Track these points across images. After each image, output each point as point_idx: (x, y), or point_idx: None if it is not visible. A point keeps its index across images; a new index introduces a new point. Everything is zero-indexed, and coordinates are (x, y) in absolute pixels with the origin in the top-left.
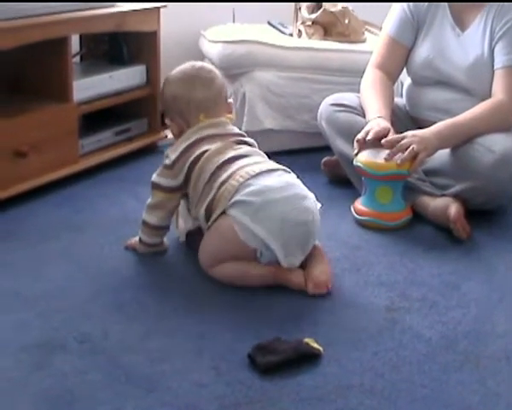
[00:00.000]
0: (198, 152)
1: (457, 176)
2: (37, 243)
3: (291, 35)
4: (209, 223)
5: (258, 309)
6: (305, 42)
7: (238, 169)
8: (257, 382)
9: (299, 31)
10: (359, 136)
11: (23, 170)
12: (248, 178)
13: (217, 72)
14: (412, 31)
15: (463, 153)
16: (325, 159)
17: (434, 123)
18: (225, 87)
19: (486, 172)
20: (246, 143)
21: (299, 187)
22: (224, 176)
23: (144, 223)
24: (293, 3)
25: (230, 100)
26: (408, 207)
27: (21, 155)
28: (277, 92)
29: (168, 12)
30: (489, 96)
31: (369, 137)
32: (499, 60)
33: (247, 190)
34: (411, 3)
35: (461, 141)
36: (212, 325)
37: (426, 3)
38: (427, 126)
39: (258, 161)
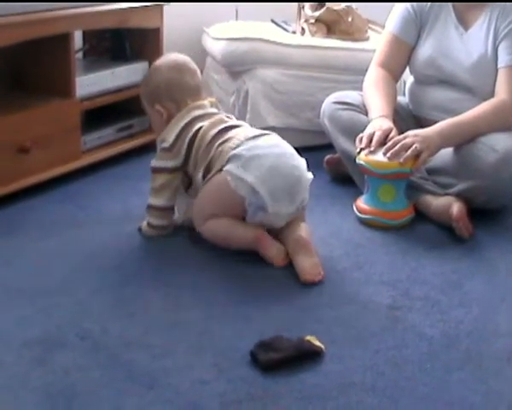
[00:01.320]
0: (194, 129)
1: (460, 175)
2: (39, 239)
3: (294, 33)
4: (205, 180)
5: (260, 306)
6: (308, 40)
7: (235, 135)
8: (258, 379)
9: (303, 29)
10: (363, 138)
11: (26, 166)
12: (243, 140)
13: (194, 64)
14: (415, 29)
15: (466, 152)
16: (328, 157)
17: (437, 122)
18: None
19: (489, 171)
20: (230, 117)
21: (289, 148)
22: (221, 140)
23: (152, 207)
24: (295, 3)
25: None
26: (410, 205)
27: (24, 151)
28: (280, 90)
29: (171, 9)
30: (492, 95)
31: (372, 148)
32: (502, 59)
33: (240, 147)
34: (415, 2)
35: (463, 140)
36: (213, 322)
37: (429, 2)
38: (429, 125)
39: (249, 130)
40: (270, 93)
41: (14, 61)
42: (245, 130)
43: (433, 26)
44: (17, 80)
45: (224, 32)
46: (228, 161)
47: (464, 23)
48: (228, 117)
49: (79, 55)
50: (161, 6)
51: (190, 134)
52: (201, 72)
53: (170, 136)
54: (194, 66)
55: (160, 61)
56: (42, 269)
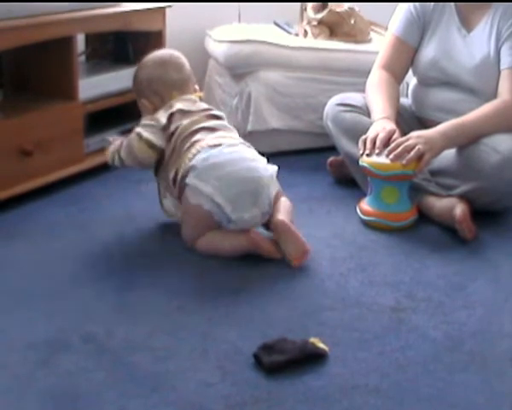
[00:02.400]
0: (176, 124)
1: (463, 176)
2: (42, 242)
3: (297, 35)
4: (176, 189)
5: (264, 309)
6: (310, 42)
7: (199, 141)
8: (262, 381)
9: (305, 31)
10: (367, 141)
11: (28, 168)
12: (204, 148)
13: (185, 59)
14: (418, 31)
15: (469, 153)
16: (331, 159)
17: (440, 123)
18: (192, 74)
19: (492, 173)
20: (216, 116)
21: (248, 152)
22: (187, 144)
23: (120, 158)
24: (298, 3)
25: (197, 87)
26: (414, 207)
27: (27, 154)
28: (283, 92)
29: (174, 11)
30: (495, 96)
31: (377, 151)
32: (505, 60)
33: (197, 157)
34: (417, 3)
35: (466, 141)
36: (217, 325)
37: (432, 4)
38: (432, 127)
39: (221, 135)
40: (272, 95)
41: (18, 64)
42: (215, 135)
43: (436, 28)
44: (20, 83)
45: (226, 35)
46: (188, 170)
47: (467, 25)
48: (210, 112)
49: (82, 58)
50: (164, 9)
51: (173, 127)
52: (204, 74)
53: (162, 117)
54: (180, 60)
55: (147, 57)
56: (45, 272)
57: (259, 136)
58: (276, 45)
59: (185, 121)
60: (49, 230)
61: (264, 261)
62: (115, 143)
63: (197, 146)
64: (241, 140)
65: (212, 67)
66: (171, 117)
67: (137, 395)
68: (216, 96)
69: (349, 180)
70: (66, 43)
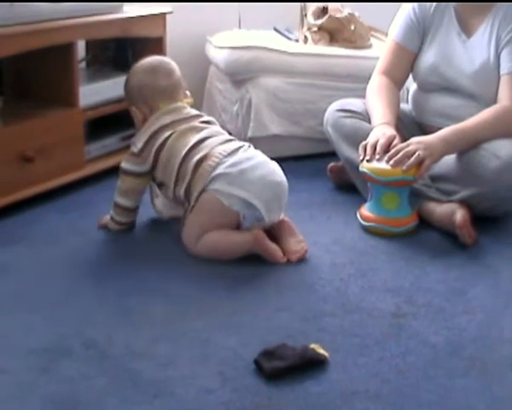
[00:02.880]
0: (162, 139)
1: (463, 182)
2: (43, 248)
3: (297, 41)
4: (192, 203)
5: (264, 315)
6: (311, 48)
7: (211, 149)
8: (263, 388)
9: (305, 37)
10: (367, 147)
11: (29, 175)
12: (222, 158)
13: (175, 64)
14: (418, 37)
15: (469, 159)
16: (331, 164)
17: (440, 129)
18: (183, 79)
19: (492, 178)
20: (207, 122)
21: (264, 157)
22: (198, 157)
23: (117, 205)
24: (298, 9)
25: (187, 92)
26: (414, 213)
27: (28, 160)
28: (283, 98)
29: (174, 17)
30: (495, 101)
31: (377, 157)
32: (505, 66)
33: (224, 165)
34: (417, 9)
35: (466, 147)
36: (217, 331)
37: (432, 9)
38: (432, 132)
39: (224, 139)
40: (273, 101)
41: (18, 71)
42: (217, 141)
43: (436, 34)
44: (21, 90)
45: (227, 41)
46: (212, 181)
47: (467, 30)
48: (201, 118)
49: (82, 64)
50: (164, 15)
51: (157, 144)
52: (204, 80)
53: (139, 142)
54: (170, 66)
55: (137, 64)
56: (46, 278)
57: (260, 142)
58: (277, 51)
59: (175, 132)
60: (50, 236)
61: (264, 268)
62: (104, 217)
63: (213, 158)
64: (242, 143)
65: (213, 74)
66: (152, 136)
67: (139, 401)
68: (217, 102)
69: (349, 186)
70: (67, 49)
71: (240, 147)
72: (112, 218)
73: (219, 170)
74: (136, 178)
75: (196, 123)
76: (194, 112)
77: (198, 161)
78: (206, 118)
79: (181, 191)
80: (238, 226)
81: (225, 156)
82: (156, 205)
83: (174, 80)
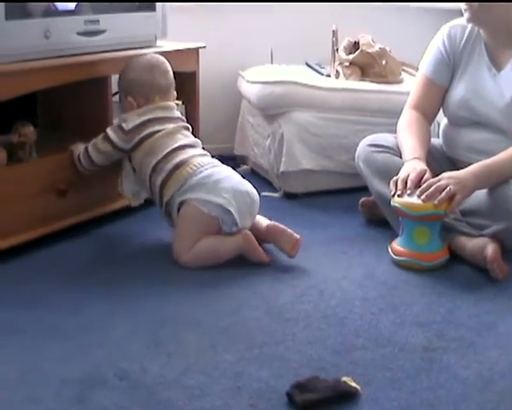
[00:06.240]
0: (151, 130)
1: (494, 216)
2: (77, 279)
3: (329, 76)
4: (173, 216)
5: (296, 347)
6: (342, 83)
7: (190, 158)
8: None
9: (337, 71)
10: (398, 182)
11: (63, 207)
12: (199, 168)
13: (168, 65)
14: (448, 71)
15: (499, 193)
16: (363, 199)
17: (471, 164)
18: (174, 81)
19: None
20: (187, 128)
21: (229, 168)
22: (177, 160)
23: (88, 155)
24: (330, 44)
25: (175, 93)
26: (445, 247)
27: (61, 193)
28: (315, 133)
29: (207, 52)
30: None
31: (409, 191)
32: None
33: (200, 175)
34: (447, 43)
35: (497, 181)
36: (249, 362)
37: (462, 43)
38: (464, 167)
39: (202, 153)
40: (304, 136)
41: (52, 104)
42: (196, 152)
43: (466, 68)
44: (56, 122)
45: (259, 76)
46: (188, 190)
47: (497, 64)
48: (184, 123)
49: (116, 97)
50: (197, 49)
51: (145, 132)
52: (237, 115)
53: (131, 122)
54: (166, 66)
55: (136, 59)
56: (79, 308)
57: (292, 176)
58: (308, 86)
59: (165, 127)
60: (84, 266)
61: (295, 301)
62: (79, 146)
63: (191, 166)
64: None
65: (245, 108)
66: (144, 123)
67: None
68: (249, 136)
69: (381, 221)
70: (101, 83)
71: (211, 162)
72: (79, 158)
73: (195, 180)
74: (114, 150)
75: (181, 127)
76: (179, 114)
77: (177, 164)
78: (186, 124)
79: (157, 182)
80: (218, 233)
81: (201, 167)
82: (124, 184)
83: (169, 80)
